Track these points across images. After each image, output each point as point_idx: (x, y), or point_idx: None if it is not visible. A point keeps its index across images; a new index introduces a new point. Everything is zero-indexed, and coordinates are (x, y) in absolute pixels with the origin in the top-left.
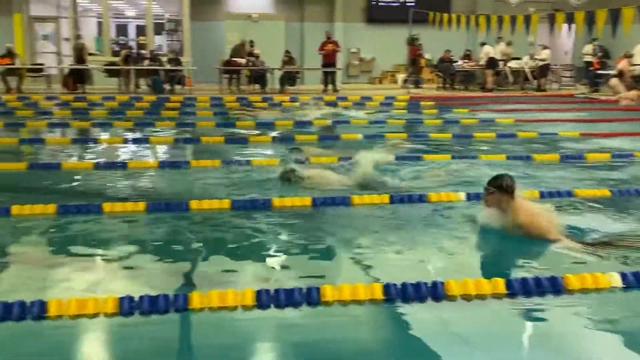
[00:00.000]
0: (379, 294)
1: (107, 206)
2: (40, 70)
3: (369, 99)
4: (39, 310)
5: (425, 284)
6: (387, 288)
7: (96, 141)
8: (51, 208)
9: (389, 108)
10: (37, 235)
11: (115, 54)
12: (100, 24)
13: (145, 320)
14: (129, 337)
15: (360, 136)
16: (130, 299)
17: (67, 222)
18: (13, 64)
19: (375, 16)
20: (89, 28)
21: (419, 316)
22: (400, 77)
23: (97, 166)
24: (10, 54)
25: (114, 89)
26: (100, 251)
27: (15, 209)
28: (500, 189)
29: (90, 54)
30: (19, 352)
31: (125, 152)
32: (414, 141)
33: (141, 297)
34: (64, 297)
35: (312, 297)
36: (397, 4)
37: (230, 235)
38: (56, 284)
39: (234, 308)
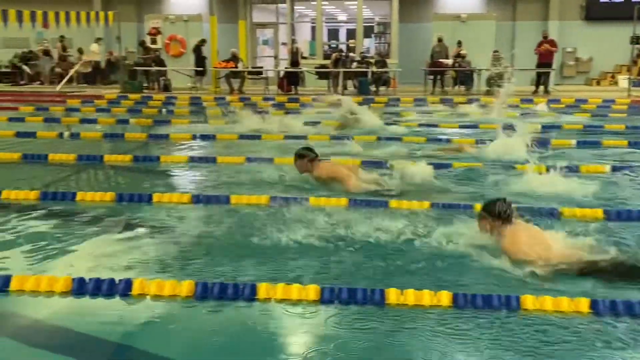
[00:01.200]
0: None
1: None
2: (260, 73)
3: (584, 101)
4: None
5: None
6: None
7: (306, 137)
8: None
9: (607, 111)
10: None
11: (326, 56)
12: (313, 28)
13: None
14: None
15: (573, 142)
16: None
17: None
18: (236, 68)
19: (595, 14)
20: (304, 33)
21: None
22: (622, 78)
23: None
24: (234, 58)
25: (324, 91)
26: None
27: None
28: (491, 214)
29: (304, 57)
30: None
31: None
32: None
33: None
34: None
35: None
36: (621, 0)
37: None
38: None
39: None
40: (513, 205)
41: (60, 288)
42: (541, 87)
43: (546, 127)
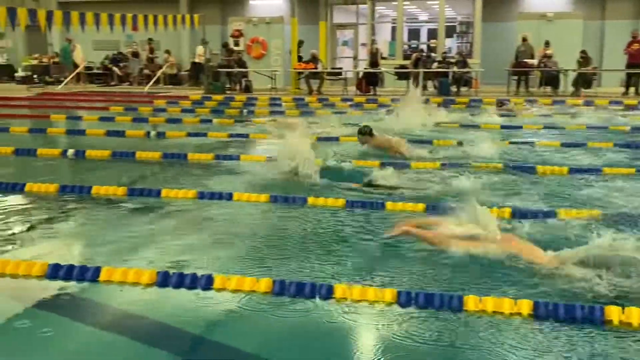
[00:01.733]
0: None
1: None
2: (339, 74)
3: None
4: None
5: None
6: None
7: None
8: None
9: None
10: None
11: (406, 57)
12: (394, 29)
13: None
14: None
15: None
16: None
17: None
18: (316, 69)
19: None
20: (384, 33)
21: None
22: None
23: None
24: (314, 59)
25: (403, 91)
26: None
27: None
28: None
29: (383, 58)
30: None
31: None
32: None
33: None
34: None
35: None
36: None
37: None
38: None
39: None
40: None
41: (146, 280)
42: (631, 89)
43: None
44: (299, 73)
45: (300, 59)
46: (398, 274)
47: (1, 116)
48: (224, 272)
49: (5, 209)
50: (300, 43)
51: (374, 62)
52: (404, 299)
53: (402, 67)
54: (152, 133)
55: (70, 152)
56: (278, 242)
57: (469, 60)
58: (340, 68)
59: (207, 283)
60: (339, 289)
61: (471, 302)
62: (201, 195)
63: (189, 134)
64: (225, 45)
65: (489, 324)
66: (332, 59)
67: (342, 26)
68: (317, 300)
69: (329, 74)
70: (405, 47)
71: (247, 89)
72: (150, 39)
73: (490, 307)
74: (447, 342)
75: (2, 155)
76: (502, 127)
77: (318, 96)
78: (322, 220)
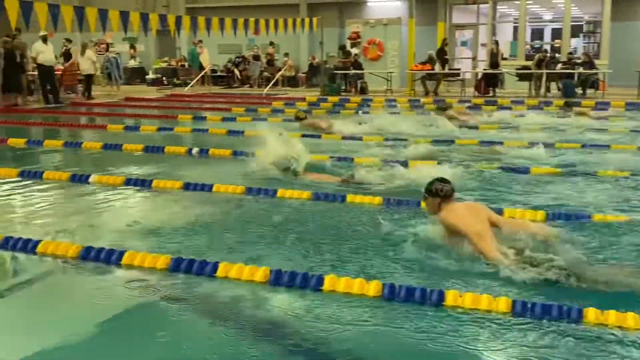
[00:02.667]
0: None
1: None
2: (457, 75)
3: None
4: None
5: None
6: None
7: (501, 143)
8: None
9: None
10: None
11: (528, 57)
12: (516, 28)
13: None
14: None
15: None
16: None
17: None
18: (433, 70)
19: None
20: (505, 33)
21: None
22: None
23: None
24: (431, 60)
25: (524, 93)
26: None
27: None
28: (430, 193)
29: (504, 59)
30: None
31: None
32: None
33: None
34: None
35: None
36: None
37: None
38: None
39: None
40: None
41: (259, 278)
42: None
43: None
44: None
45: (445, 60)
46: (512, 281)
47: (135, 116)
48: (336, 272)
49: (138, 203)
50: (445, 42)
51: (494, 63)
52: (519, 309)
53: (524, 67)
54: (194, 150)
55: (195, 150)
56: (396, 246)
57: (596, 61)
58: (458, 69)
59: (317, 284)
60: (450, 296)
61: (591, 314)
62: (316, 197)
63: (303, 135)
64: (343, 48)
65: (611, 338)
66: (450, 59)
67: (461, 26)
68: (427, 306)
69: (446, 75)
70: (528, 47)
71: (363, 90)
72: (271, 43)
73: (613, 321)
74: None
75: (132, 152)
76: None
77: (434, 97)
78: None
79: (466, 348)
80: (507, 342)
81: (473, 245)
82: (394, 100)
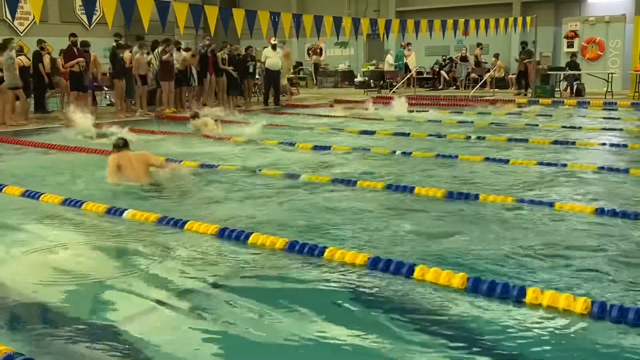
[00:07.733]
0: None
1: None
2: None
3: None
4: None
5: None
6: None
7: None
8: None
9: None
10: None
11: None
12: None
13: None
14: None
15: None
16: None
17: None
18: None
19: None
20: None
21: None
22: None
23: None
24: None
25: None
26: None
27: None
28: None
29: None
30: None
31: None
32: None
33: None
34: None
35: None
36: None
37: None
38: None
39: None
40: None
41: (457, 284)
42: None
43: None
44: None
45: None
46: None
47: (340, 116)
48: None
49: (340, 200)
50: None
51: None
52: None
53: None
54: (472, 136)
55: (397, 152)
56: (594, 259)
57: None
58: None
59: (520, 295)
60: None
61: None
62: (521, 200)
63: (509, 140)
64: (523, 45)
65: None
66: None
67: None
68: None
69: None
70: None
71: (579, 92)
72: (478, 44)
73: None
74: None
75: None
76: None
77: None
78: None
79: None
80: None
81: None
82: (614, 104)
